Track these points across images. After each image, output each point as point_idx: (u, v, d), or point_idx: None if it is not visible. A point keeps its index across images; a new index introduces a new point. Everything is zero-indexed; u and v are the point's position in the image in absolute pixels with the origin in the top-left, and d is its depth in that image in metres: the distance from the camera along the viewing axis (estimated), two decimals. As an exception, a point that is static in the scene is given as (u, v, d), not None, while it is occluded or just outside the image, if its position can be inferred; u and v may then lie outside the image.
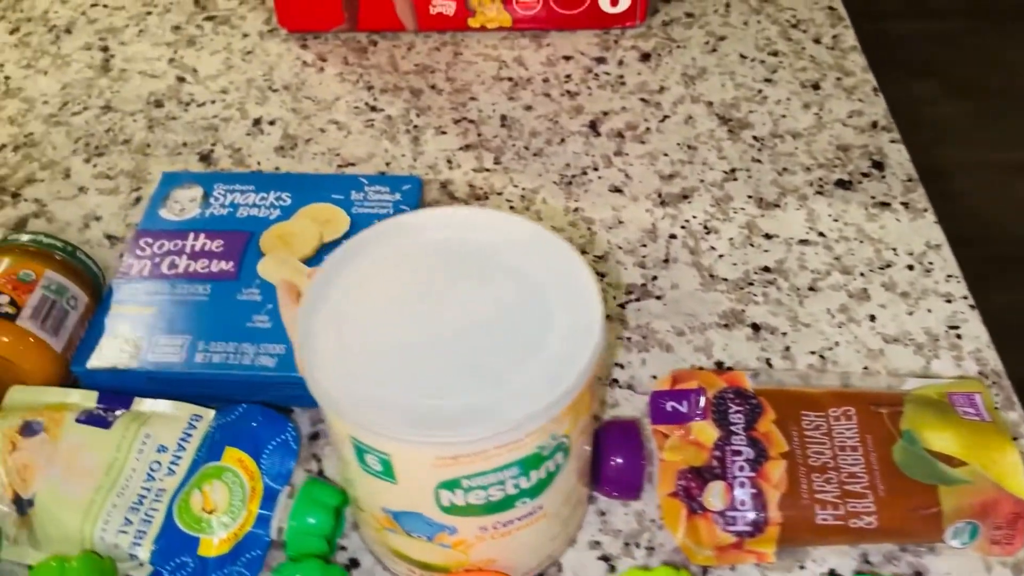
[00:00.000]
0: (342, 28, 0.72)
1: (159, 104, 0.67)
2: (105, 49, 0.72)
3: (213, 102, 0.67)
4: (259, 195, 0.55)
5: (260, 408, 0.44)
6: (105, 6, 0.76)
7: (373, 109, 0.66)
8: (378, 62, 0.70)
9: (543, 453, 0.34)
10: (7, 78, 0.70)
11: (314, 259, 0.52)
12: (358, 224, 0.53)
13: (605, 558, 0.43)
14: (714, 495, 0.42)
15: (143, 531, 0.41)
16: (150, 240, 0.53)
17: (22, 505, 0.42)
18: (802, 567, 0.42)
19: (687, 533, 0.42)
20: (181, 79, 0.69)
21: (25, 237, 0.49)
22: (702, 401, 0.44)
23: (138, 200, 0.60)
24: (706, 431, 0.43)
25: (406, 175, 0.58)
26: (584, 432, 0.38)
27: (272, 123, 0.65)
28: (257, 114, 0.66)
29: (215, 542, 0.41)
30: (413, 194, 0.55)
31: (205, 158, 0.63)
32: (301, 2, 0.70)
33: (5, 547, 0.42)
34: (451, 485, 0.34)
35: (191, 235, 0.53)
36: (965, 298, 0.53)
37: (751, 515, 0.41)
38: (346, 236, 0.53)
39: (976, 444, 0.42)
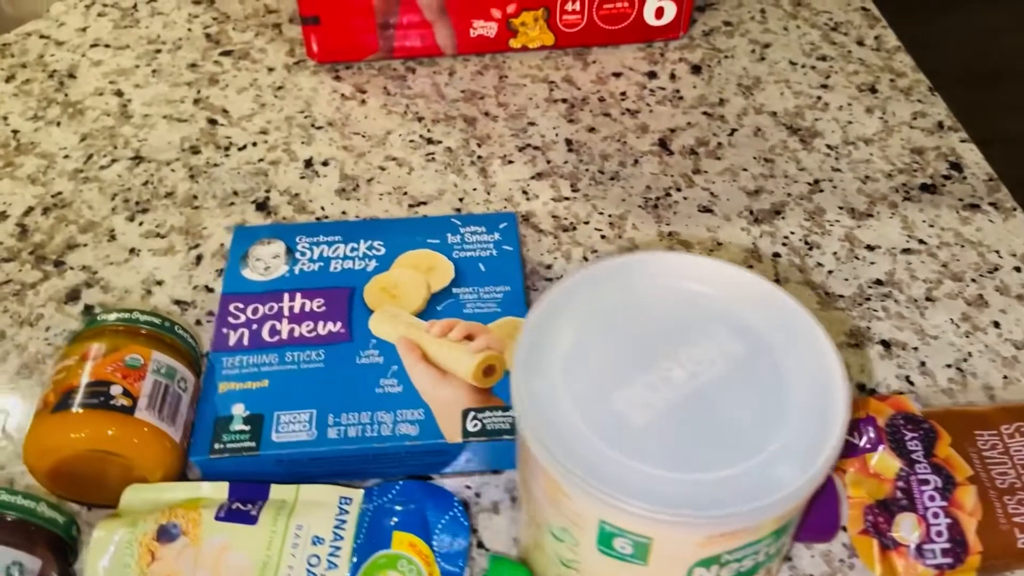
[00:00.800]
0: (376, 56, 0.68)
1: (195, 150, 0.62)
2: (119, 93, 0.66)
3: (255, 144, 0.62)
4: (348, 246, 0.52)
5: (419, 484, 0.41)
6: (107, 46, 0.70)
7: (429, 142, 0.63)
8: (421, 90, 0.67)
9: (789, 527, 0.32)
10: (15, 132, 0.63)
11: (426, 312, 0.48)
12: (462, 270, 0.50)
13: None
14: (905, 528, 0.41)
15: (319, 636, 0.37)
16: (240, 305, 0.49)
17: (168, 622, 0.38)
18: None
19: (883, 571, 0.40)
20: (212, 121, 0.64)
21: (113, 316, 0.44)
22: (871, 431, 0.43)
23: (199, 259, 0.55)
24: (886, 462, 0.42)
25: (498, 212, 0.55)
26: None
27: (325, 163, 0.61)
28: (306, 154, 0.62)
29: (399, 639, 0.38)
30: (511, 232, 0.52)
31: (262, 207, 0.58)
32: (333, 32, 0.66)
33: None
34: (710, 562, 0.32)
35: (285, 296, 0.49)
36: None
37: (949, 546, 0.40)
38: (453, 284, 0.49)
39: None
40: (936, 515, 0.41)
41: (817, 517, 0.41)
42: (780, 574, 0.42)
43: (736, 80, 0.67)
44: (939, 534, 0.40)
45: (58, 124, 0.64)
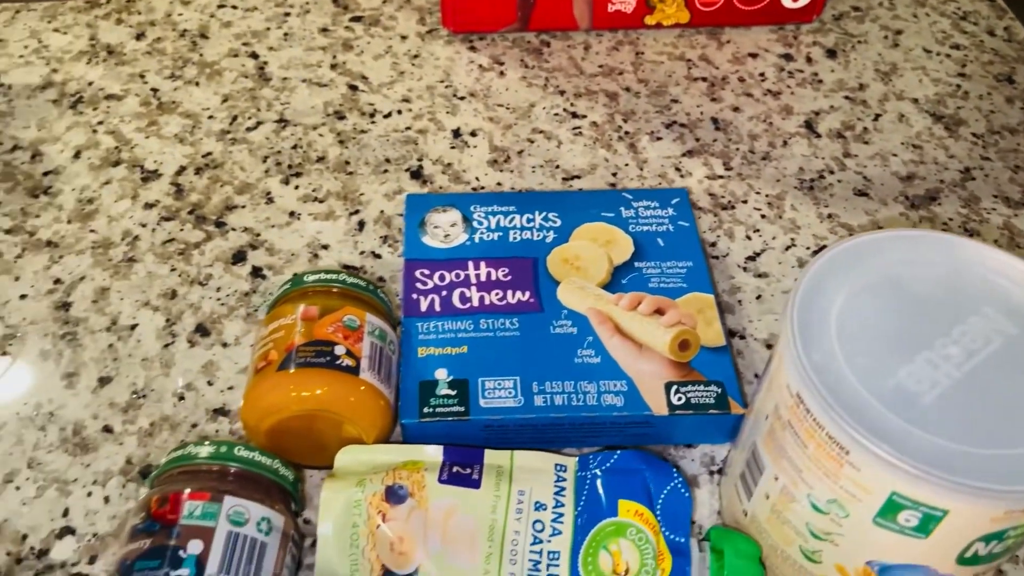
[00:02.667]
0: (511, 28, 0.67)
1: (340, 116, 0.61)
2: (255, 55, 0.66)
3: (399, 112, 0.62)
4: (523, 216, 0.51)
5: (639, 453, 0.41)
6: (234, 7, 0.69)
7: (574, 115, 0.62)
8: (559, 64, 0.66)
9: None
10: (155, 90, 0.63)
11: (611, 285, 0.48)
12: (641, 244, 0.50)
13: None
14: None
15: (553, 601, 0.37)
16: (426, 271, 0.48)
17: (397, 583, 0.38)
18: None
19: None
20: (353, 87, 0.63)
21: (312, 277, 0.43)
22: None
23: (361, 225, 0.54)
24: None
25: (669, 188, 0.55)
26: None
27: (473, 134, 0.61)
28: (453, 125, 0.61)
29: (630, 607, 0.38)
30: (685, 208, 0.52)
31: (416, 175, 0.58)
32: (471, 2, 0.66)
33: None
34: (992, 537, 0.32)
35: (470, 264, 0.49)
36: None
37: None
38: (634, 258, 0.49)
39: None
40: None
41: None
42: None
43: (873, 65, 0.67)
44: None
45: (197, 84, 0.63)
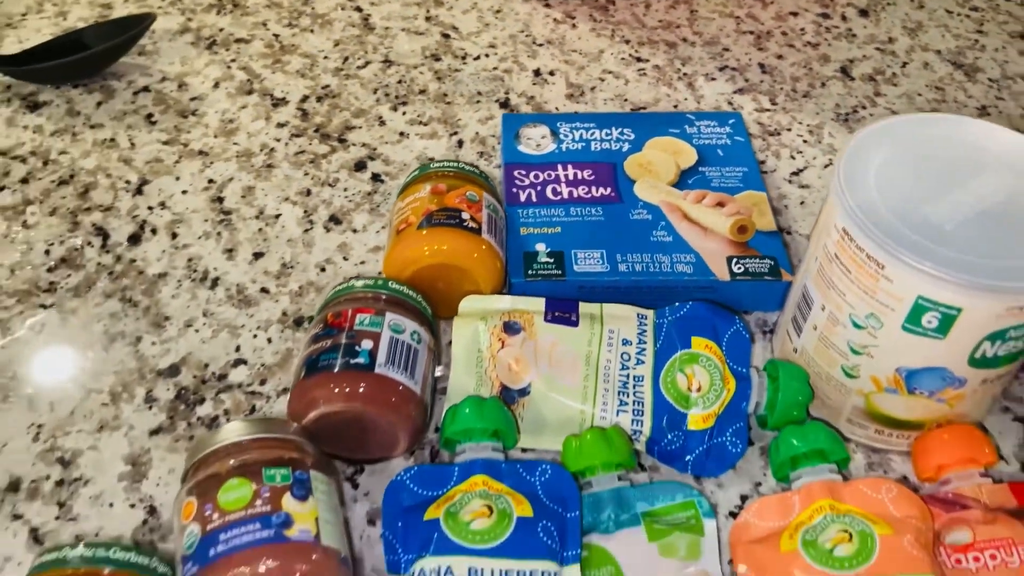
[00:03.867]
0: (581, -12, 0.77)
1: (436, 58, 0.71)
2: (359, 9, 0.75)
3: (487, 55, 0.71)
4: (603, 131, 0.60)
5: (706, 304, 0.49)
6: (338, -30, 0.80)
7: (638, 59, 0.71)
8: (623, 19, 0.75)
9: None
10: (276, 35, 0.73)
11: (678, 184, 0.57)
12: (703, 154, 0.59)
13: None
14: None
15: (639, 408, 0.46)
16: (522, 172, 0.58)
17: (511, 395, 0.47)
18: None
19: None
20: (446, 35, 0.73)
21: (436, 164, 0.53)
22: None
23: (460, 143, 0.64)
24: None
25: (726, 111, 0.64)
26: None
27: (552, 73, 0.70)
28: (534, 66, 0.71)
29: (701, 418, 0.46)
30: (740, 127, 0.61)
31: (504, 104, 0.67)
32: (547, -36, 0.75)
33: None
34: (997, 336, 0.40)
35: (559, 166, 0.58)
36: None
37: None
38: (698, 164, 0.58)
39: None
40: None
41: None
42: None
43: (900, 23, 0.76)
44: None
45: (312, 31, 0.73)
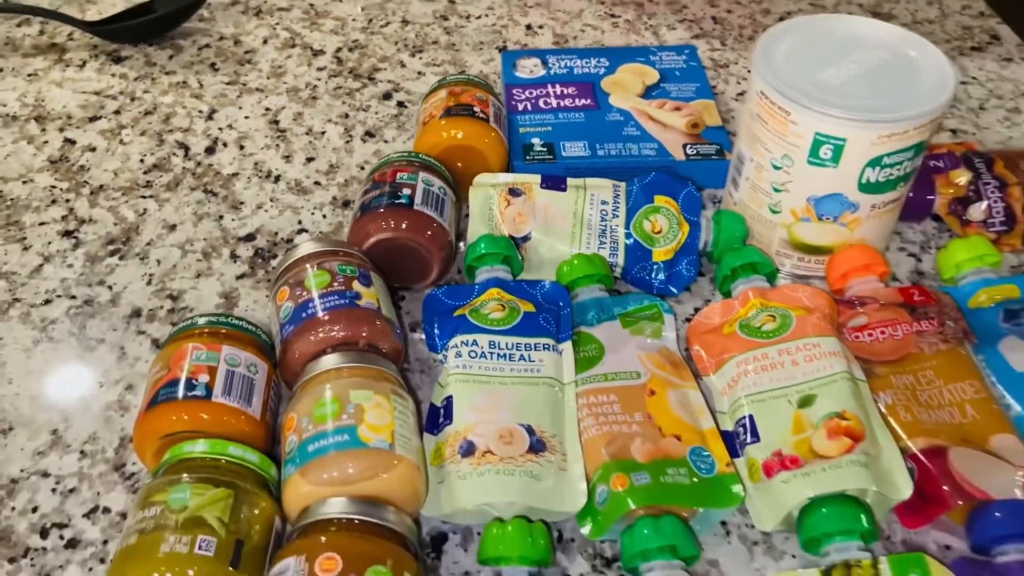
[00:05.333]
0: (563, -37, 0.92)
1: (445, 18, 0.85)
2: (378, -16, 0.90)
3: (487, 15, 0.86)
4: (583, 60, 0.75)
5: (666, 173, 0.63)
6: (359, -45, 0.94)
7: (612, 16, 0.86)
8: (599, -14, 0.90)
9: (924, 144, 0.54)
10: (312, 4, 0.87)
11: (644, 95, 0.71)
12: (664, 74, 0.73)
13: (916, 256, 0.63)
14: (976, 212, 0.63)
15: (615, 247, 0.59)
16: (519, 90, 0.72)
17: (517, 241, 0.60)
18: None
19: (963, 233, 0.62)
20: (452, 1, 0.88)
21: (451, 77, 0.67)
22: (952, 159, 0.65)
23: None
24: (962, 175, 0.64)
25: (684, 44, 0.78)
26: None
27: (541, 27, 0.84)
28: (526, 22, 0.85)
29: (663, 252, 0.60)
30: (694, 55, 0.75)
31: (502, 50, 0.81)
32: (534, -57, 0.90)
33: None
34: (875, 163, 0.54)
35: (548, 85, 0.72)
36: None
37: (1004, 218, 0.62)
38: (660, 82, 0.72)
39: None
40: (995, 203, 0.63)
41: (916, 205, 0.63)
42: (892, 243, 0.64)
43: (830, -16, 0.91)
44: (998, 213, 0.63)
45: (340, 1, 0.88)
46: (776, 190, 0.58)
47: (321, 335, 0.49)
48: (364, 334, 0.50)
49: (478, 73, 0.79)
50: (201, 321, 0.50)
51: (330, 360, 0.47)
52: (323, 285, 0.50)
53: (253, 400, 0.47)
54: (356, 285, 0.51)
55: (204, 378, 0.46)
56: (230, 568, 0.40)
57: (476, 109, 0.64)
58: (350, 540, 0.40)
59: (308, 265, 0.52)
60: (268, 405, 0.48)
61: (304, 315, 0.49)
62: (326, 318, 0.49)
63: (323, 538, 0.40)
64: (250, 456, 0.44)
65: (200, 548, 0.39)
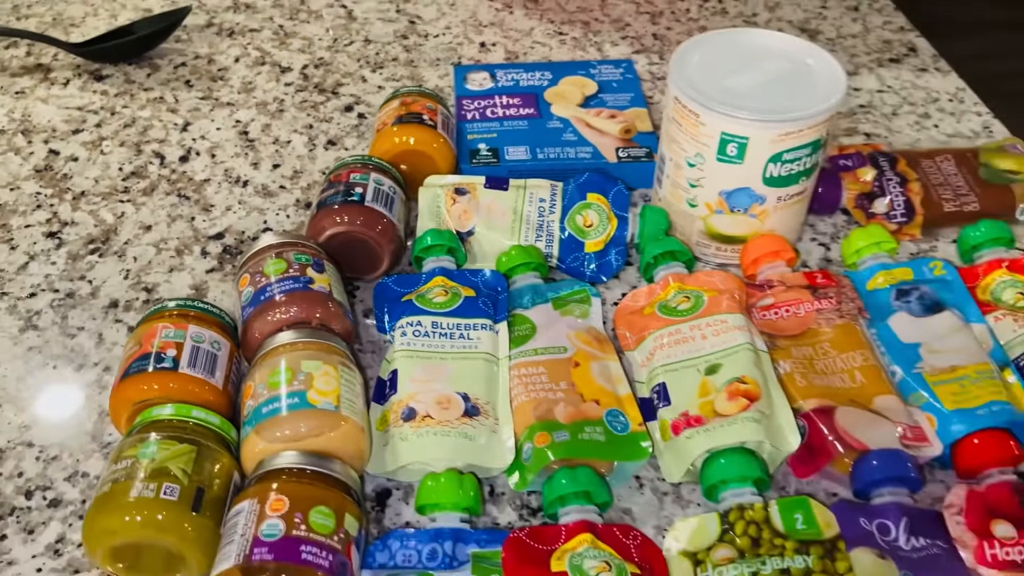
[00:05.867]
0: (516, -14, 0.98)
1: (405, 37, 0.92)
2: (344, 5, 0.96)
3: (443, 34, 0.92)
4: (528, 73, 0.81)
5: (599, 173, 0.69)
6: (326, -20, 1.01)
7: (560, 34, 0.93)
8: (549, 6, 0.97)
9: (821, 141, 0.61)
10: (281, 26, 0.93)
11: (583, 104, 0.77)
12: (602, 86, 0.79)
13: (826, 246, 0.70)
14: (879, 206, 0.69)
15: (551, 239, 0.66)
16: (468, 101, 0.78)
17: (462, 235, 0.66)
18: (936, 238, 0.70)
19: (867, 224, 0.69)
20: (412, 22, 0.94)
21: (405, 89, 0.73)
22: (859, 158, 0.72)
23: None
24: (868, 173, 0.71)
25: (620, 59, 0.85)
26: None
27: (494, 44, 0.91)
28: (480, 40, 0.92)
29: (593, 244, 0.66)
30: (631, 69, 0.82)
31: (457, 66, 0.88)
32: (488, -33, 0.96)
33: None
34: (776, 159, 0.60)
35: (495, 97, 0.78)
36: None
37: (904, 211, 0.68)
38: (597, 93, 0.79)
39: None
40: (897, 197, 0.69)
41: (826, 200, 0.69)
42: (808, 230, 0.70)
43: (764, 3, 0.97)
44: (899, 206, 0.69)
45: (308, 22, 0.94)
46: (692, 186, 0.65)
47: (278, 315, 0.55)
48: (318, 315, 0.56)
49: (434, 87, 0.85)
50: (171, 304, 0.56)
51: (285, 336, 0.53)
52: (280, 271, 0.56)
53: (216, 372, 0.52)
54: (310, 271, 0.57)
55: (172, 352, 0.52)
56: (192, 512, 0.45)
57: (425, 117, 0.70)
58: (298, 486, 0.46)
59: (267, 255, 0.58)
60: (230, 378, 0.54)
61: (263, 297, 0.55)
62: (282, 299, 0.55)
63: (274, 485, 0.46)
64: (212, 419, 0.50)
65: (165, 494, 0.45)
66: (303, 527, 0.43)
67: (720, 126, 0.60)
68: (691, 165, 0.64)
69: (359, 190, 0.63)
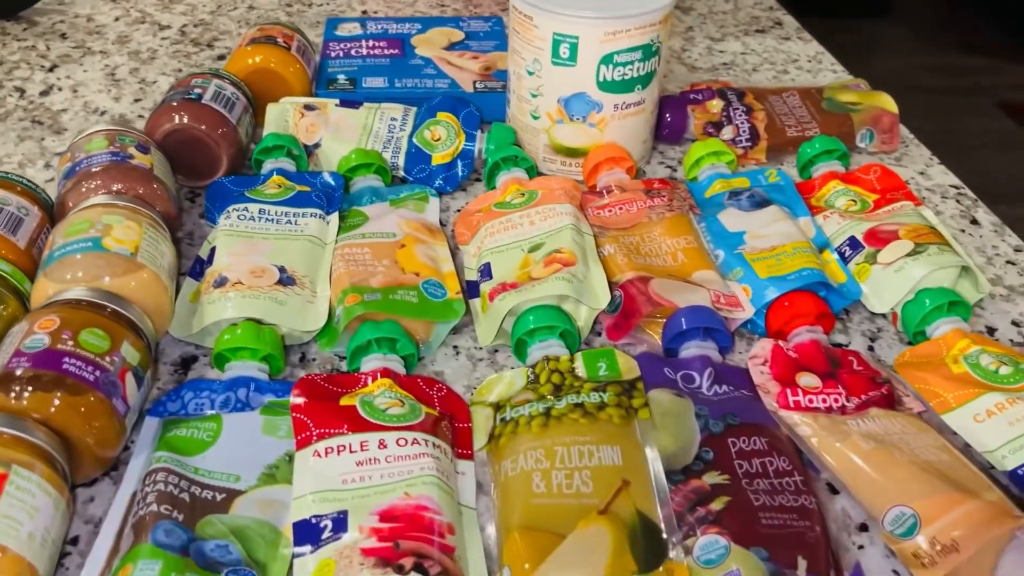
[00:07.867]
0: (405, -32, 1.01)
1: (289, 4, 0.94)
2: (233, -19, 0.99)
3: (328, 4, 0.94)
4: (398, 24, 0.83)
5: (452, 96, 0.70)
6: (220, -38, 1.03)
7: (442, 5, 0.95)
8: (435, -14, 1.00)
9: (653, 47, 0.62)
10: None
11: (448, 48, 0.79)
12: (469, 35, 0.81)
13: (673, 168, 0.70)
14: (725, 132, 0.71)
15: (397, 151, 0.66)
16: (335, 43, 0.79)
17: (309, 148, 0.66)
18: (781, 163, 0.71)
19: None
20: (298, -6, 0.97)
21: (264, 21, 0.74)
22: (710, 93, 0.74)
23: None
24: (716, 105, 0.72)
25: (491, 16, 0.87)
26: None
27: (375, 13, 0.93)
28: (363, 8, 0.94)
29: (441, 157, 0.66)
30: (499, 23, 0.84)
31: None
32: (377, -51, 0.99)
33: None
34: (607, 60, 0.61)
35: (363, 41, 0.80)
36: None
37: (749, 136, 0.70)
38: (464, 40, 0.80)
39: (865, 96, 0.73)
40: (742, 123, 0.71)
41: (674, 128, 0.71)
42: (654, 158, 0.71)
43: None
44: (744, 131, 0.71)
45: (195, -8, 0.96)
46: (533, 96, 0.66)
47: (94, 185, 0.54)
48: (139, 191, 0.55)
49: (313, 38, 0.87)
50: (-13, 178, 0.55)
51: (94, 199, 0.52)
52: (100, 148, 0.56)
53: (19, 233, 0.51)
54: (132, 150, 0.56)
55: (-24, 212, 0.51)
56: (-32, 342, 0.44)
57: (279, 39, 0.71)
58: (73, 311, 0.44)
59: (91, 137, 0.57)
60: (35, 243, 0.53)
61: (77, 169, 0.54)
62: (96, 170, 0.54)
63: (49, 309, 0.44)
64: (4, 267, 0.48)
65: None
66: (70, 343, 0.42)
67: (552, 27, 0.62)
68: (531, 73, 0.65)
69: (198, 91, 0.63)
